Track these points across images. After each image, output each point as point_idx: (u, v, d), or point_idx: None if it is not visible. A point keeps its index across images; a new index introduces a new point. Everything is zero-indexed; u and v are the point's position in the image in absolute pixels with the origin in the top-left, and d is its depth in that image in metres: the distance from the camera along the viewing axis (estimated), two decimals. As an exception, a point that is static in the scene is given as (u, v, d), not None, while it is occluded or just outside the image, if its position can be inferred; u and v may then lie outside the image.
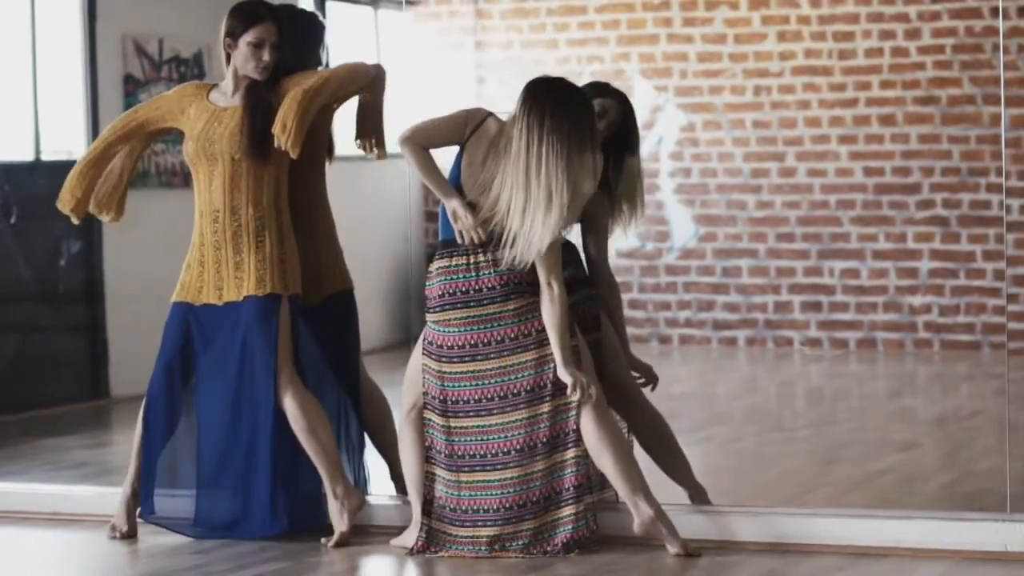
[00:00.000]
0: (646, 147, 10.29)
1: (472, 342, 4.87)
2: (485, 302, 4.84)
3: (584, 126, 4.82)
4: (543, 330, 4.84)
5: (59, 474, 6.43)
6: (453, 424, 4.93)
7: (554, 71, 10.84)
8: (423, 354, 4.96)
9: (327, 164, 5.41)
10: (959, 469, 6.30)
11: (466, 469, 4.92)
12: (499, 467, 4.89)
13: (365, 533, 5.19)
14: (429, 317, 4.93)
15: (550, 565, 4.79)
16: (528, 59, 10.59)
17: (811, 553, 4.83)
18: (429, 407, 4.97)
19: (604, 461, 4.81)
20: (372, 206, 9.85)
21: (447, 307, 4.87)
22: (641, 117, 10.33)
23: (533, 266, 4.84)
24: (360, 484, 5.37)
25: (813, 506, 5.42)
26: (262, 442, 5.10)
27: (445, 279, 4.87)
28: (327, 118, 5.35)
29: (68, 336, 8.37)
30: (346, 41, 10.13)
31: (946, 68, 9.82)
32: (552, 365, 4.83)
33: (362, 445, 5.42)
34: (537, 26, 10.58)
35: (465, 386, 4.91)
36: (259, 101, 5.09)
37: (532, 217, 4.74)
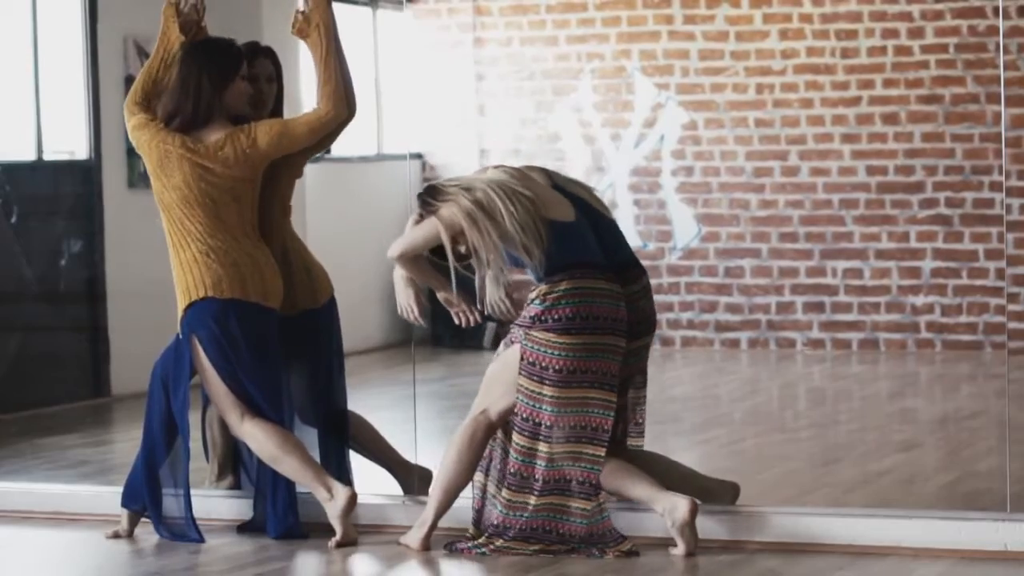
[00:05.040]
0: (648, 145, 10.28)
1: (594, 368, 4.88)
2: (620, 332, 4.89)
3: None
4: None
5: (59, 473, 6.42)
6: (540, 448, 4.91)
7: (554, 68, 10.92)
8: (522, 375, 4.89)
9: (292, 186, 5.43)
10: (959, 469, 6.30)
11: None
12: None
13: (366, 532, 5.19)
14: (545, 336, 4.88)
15: (550, 565, 4.79)
16: (527, 56, 10.59)
17: (811, 553, 4.82)
18: (519, 430, 4.91)
19: (626, 483, 4.87)
20: (372, 206, 9.84)
21: (574, 331, 4.85)
22: (642, 114, 10.38)
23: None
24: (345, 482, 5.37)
25: (814, 506, 5.41)
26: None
27: (580, 301, 4.85)
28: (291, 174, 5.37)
29: (69, 335, 8.37)
30: (344, 43, 10.11)
31: (949, 67, 9.81)
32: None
33: (345, 445, 5.42)
34: (536, 23, 10.57)
35: (564, 412, 4.89)
36: None
37: None
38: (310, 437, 5.34)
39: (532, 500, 4.89)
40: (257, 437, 5.11)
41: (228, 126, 5.16)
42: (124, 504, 5.28)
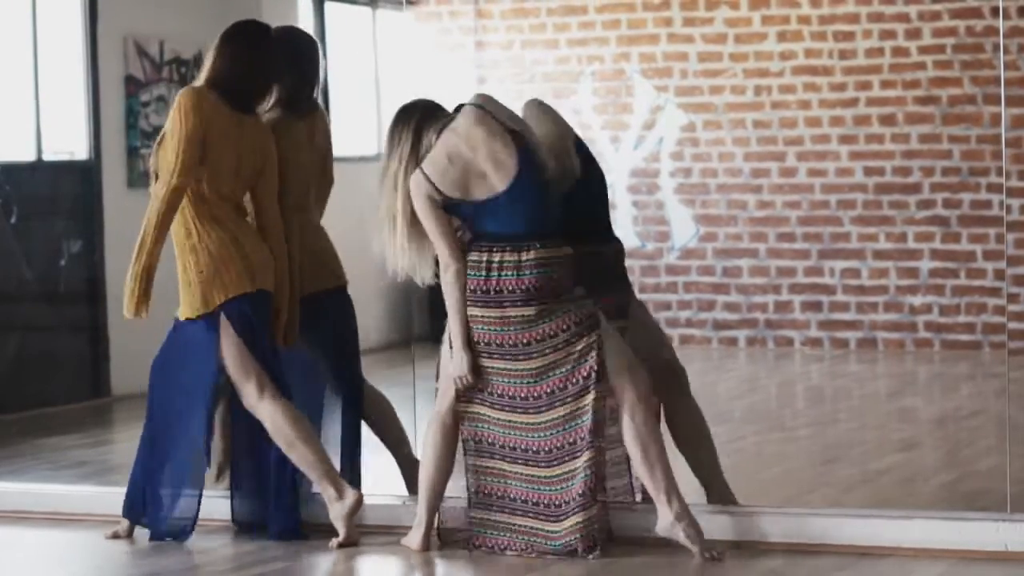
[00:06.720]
0: (647, 147, 10.29)
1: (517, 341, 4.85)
2: (506, 304, 4.83)
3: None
4: (568, 330, 4.82)
5: (59, 473, 6.43)
6: (498, 416, 4.90)
7: (554, 71, 10.91)
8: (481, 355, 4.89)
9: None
10: (959, 469, 6.30)
11: (508, 460, 4.92)
12: (520, 462, 4.88)
13: (370, 533, 5.19)
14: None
15: (551, 565, 4.79)
16: (528, 59, 10.60)
17: (811, 553, 4.83)
18: (479, 400, 4.91)
19: (636, 454, 4.80)
20: (372, 206, 9.83)
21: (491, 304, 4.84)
22: (641, 116, 10.39)
23: (556, 268, 4.84)
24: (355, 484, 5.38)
25: (813, 506, 5.42)
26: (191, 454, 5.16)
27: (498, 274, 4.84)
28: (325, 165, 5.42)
29: (69, 335, 8.37)
30: (344, 43, 10.13)
31: (947, 68, 9.82)
32: (576, 366, 4.82)
33: (359, 444, 5.43)
34: (537, 26, 10.59)
35: (503, 381, 4.87)
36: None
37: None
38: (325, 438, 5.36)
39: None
40: (276, 417, 5.07)
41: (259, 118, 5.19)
42: (126, 515, 5.27)
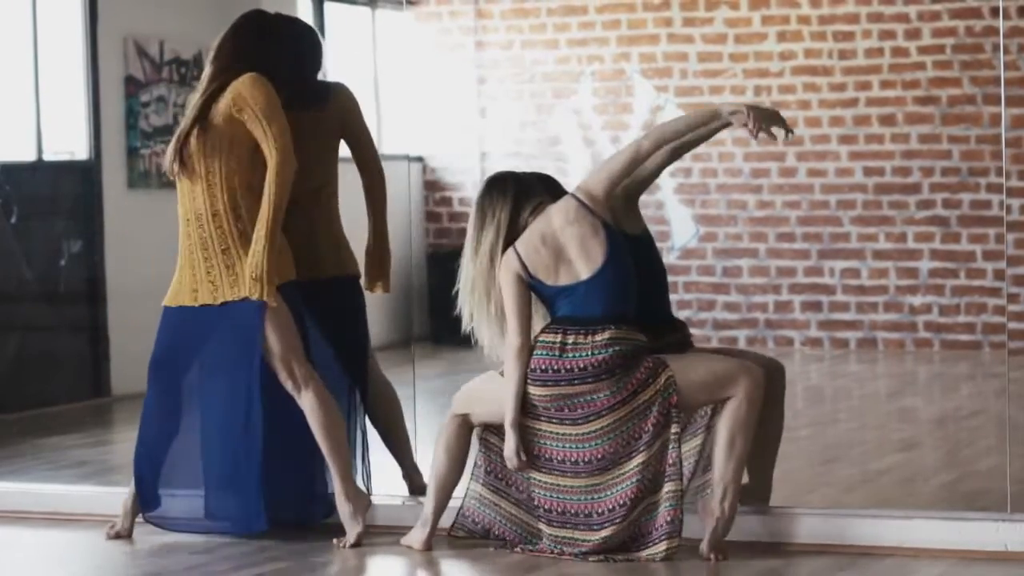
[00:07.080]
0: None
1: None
2: (576, 382, 4.84)
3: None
4: (632, 390, 4.86)
5: (59, 473, 6.43)
6: (552, 481, 4.93)
7: (554, 71, 10.92)
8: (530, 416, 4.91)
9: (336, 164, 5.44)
10: (959, 469, 6.31)
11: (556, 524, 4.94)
12: (595, 527, 4.89)
13: (371, 533, 5.19)
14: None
15: (551, 565, 4.79)
16: (528, 59, 10.61)
17: (811, 553, 4.83)
18: (535, 467, 4.93)
19: (722, 439, 4.81)
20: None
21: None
22: (641, 117, 10.39)
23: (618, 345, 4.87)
24: (365, 484, 5.38)
25: (813, 506, 5.42)
26: (243, 442, 5.09)
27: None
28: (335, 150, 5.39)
29: (69, 335, 8.38)
30: (344, 43, 10.14)
31: (946, 68, 9.83)
32: (644, 417, 4.85)
33: (367, 444, 5.42)
34: (537, 26, 10.59)
35: (559, 446, 4.89)
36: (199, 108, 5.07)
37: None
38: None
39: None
40: (319, 402, 5.03)
41: None
42: (143, 508, 5.26)
